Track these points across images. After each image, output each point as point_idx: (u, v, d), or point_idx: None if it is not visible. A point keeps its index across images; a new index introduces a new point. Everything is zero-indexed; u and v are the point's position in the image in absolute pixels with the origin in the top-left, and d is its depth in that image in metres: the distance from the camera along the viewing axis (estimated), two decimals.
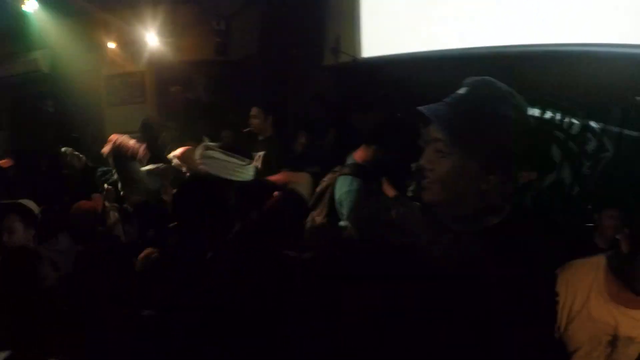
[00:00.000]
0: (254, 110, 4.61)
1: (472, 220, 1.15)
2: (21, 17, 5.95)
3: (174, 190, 2.39)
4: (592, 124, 3.75)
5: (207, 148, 2.80)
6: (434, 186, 1.16)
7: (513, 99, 1.16)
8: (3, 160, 6.29)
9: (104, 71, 7.17)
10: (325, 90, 5.97)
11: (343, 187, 2.20)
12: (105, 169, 4.74)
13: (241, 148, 3.95)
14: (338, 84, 5.65)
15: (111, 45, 6.75)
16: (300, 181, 2.81)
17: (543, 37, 2.27)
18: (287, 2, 5.77)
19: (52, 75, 6.97)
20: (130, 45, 6.81)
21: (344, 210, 2.15)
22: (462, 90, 1.19)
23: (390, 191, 2.30)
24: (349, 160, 2.38)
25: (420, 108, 1.16)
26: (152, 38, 6.57)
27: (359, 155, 2.38)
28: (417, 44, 3.21)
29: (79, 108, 7.60)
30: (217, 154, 2.77)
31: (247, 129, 4.76)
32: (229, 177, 2.69)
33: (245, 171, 2.79)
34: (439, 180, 1.15)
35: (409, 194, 1.89)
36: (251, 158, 4.08)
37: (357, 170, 2.30)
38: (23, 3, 5.77)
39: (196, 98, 7.16)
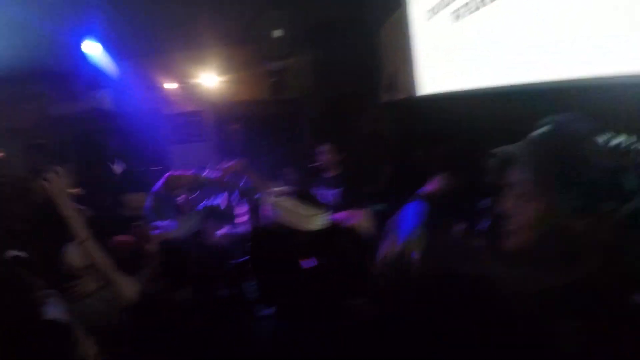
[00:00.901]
0: (327, 147, 4.64)
1: (565, 268, 1.06)
2: (83, 57, 6.27)
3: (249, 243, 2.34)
4: None
5: (278, 195, 2.70)
6: (520, 232, 1.09)
7: (601, 135, 1.08)
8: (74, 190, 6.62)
9: (164, 110, 7.44)
10: (382, 127, 5.97)
11: (410, 211, 2.14)
12: None
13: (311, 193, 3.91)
14: (395, 121, 5.62)
15: (171, 84, 6.99)
16: (363, 220, 2.75)
17: (600, 68, 2.17)
18: (341, 42, 5.86)
19: (115, 113, 7.28)
20: (189, 85, 7.06)
21: (405, 233, 2.05)
22: (545, 128, 1.12)
23: (458, 229, 2.21)
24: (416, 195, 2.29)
25: (500, 149, 1.09)
26: (210, 78, 6.81)
27: (426, 189, 2.31)
28: (475, 80, 3.13)
29: (141, 145, 7.93)
30: (289, 203, 2.65)
31: (314, 164, 4.78)
32: (299, 228, 2.59)
33: (318, 221, 2.69)
34: (526, 225, 1.07)
35: (483, 235, 1.80)
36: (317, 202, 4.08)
37: (426, 198, 2.25)
38: (85, 45, 6.10)
39: (256, 136, 7.30)
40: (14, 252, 2.63)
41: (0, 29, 4.61)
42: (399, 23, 4.53)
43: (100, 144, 8.61)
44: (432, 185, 2.41)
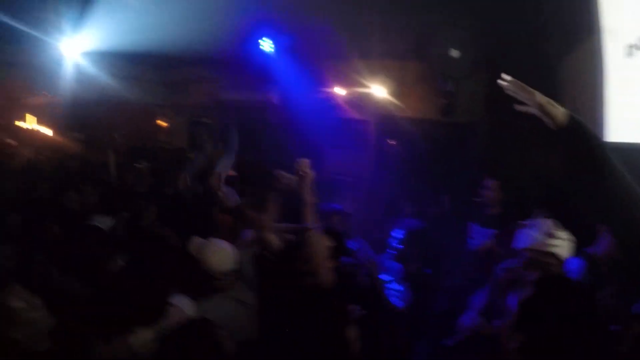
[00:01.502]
0: (489, 182, 4.40)
1: None
2: (262, 55, 6.76)
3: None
4: None
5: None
6: None
7: None
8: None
9: (330, 114, 7.62)
10: (553, 168, 5.35)
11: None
12: None
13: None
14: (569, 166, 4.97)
15: (341, 91, 7.12)
16: None
17: None
18: (518, 70, 5.37)
19: (281, 107, 7.65)
20: (359, 94, 7.12)
21: None
22: None
23: None
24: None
25: None
26: (380, 90, 6.78)
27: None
28: None
29: (303, 144, 8.27)
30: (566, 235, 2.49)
31: (478, 199, 4.55)
32: None
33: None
34: None
35: None
36: None
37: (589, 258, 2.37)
38: (262, 45, 6.57)
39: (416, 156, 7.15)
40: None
41: (189, 14, 5.07)
42: (587, 56, 3.99)
43: (261, 134, 9.23)
44: (601, 247, 2.34)
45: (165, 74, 8.83)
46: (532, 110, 1.66)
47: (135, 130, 9.59)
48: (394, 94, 6.73)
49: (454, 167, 6.68)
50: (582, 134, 1.65)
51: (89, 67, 6.29)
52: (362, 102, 7.12)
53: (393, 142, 7.81)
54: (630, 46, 3.25)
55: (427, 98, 6.52)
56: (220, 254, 2.95)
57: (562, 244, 2.38)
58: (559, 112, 1.64)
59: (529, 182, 5.26)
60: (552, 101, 1.67)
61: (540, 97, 1.67)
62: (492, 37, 5.32)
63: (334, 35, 5.90)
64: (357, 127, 7.57)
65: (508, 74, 5.71)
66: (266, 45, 6.48)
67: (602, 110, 3.75)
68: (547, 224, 2.41)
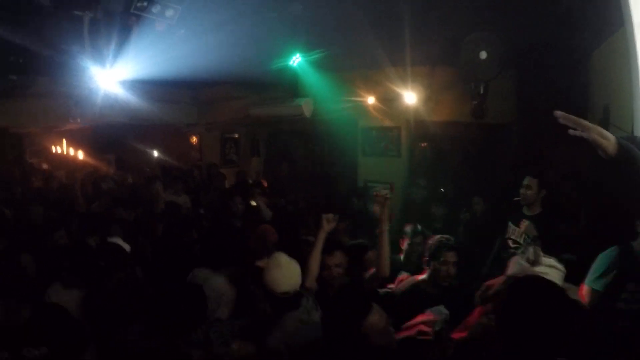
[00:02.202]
0: (529, 181, 4.35)
1: None
2: (289, 69, 6.89)
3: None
4: None
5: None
6: None
7: None
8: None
9: (361, 123, 7.70)
10: (584, 168, 5.28)
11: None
12: None
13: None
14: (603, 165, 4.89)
15: (370, 99, 7.20)
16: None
17: None
18: (548, 68, 5.35)
19: (313, 121, 7.77)
20: (389, 101, 7.18)
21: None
22: None
23: None
24: None
25: None
26: (410, 96, 6.83)
27: None
28: None
29: (336, 153, 8.39)
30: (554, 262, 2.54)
31: (516, 199, 4.51)
32: None
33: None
34: None
35: None
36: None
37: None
38: (293, 60, 6.71)
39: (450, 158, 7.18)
40: None
41: (216, 36, 5.26)
42: (617, 47, 3.95)
43: (289, 146, 9.40)
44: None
45: (196, 94, 9.13)
46: (585, 135, 1.74)
47: (167, 150, 9.96)
48: (424, 99, 6.77)
49: (487, 168, 6.67)
50: (632, 161, 1.75)
51: (123, 93, 6.52)
52: (394, 109, 7.18)
53: (423, 145, 7.86)
54: None
55: (458, 101, 6.53)
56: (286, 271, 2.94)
57: (549, 272, 2.40)
58: (610, 143, 1.74)
59: (563, 182, 5.22)
60: (603, 133, 1.76)
61: (593, 132, 1.75)
62: (520, 36, 5.30)
63: (363, 45, 5.98)
64: (389, 134, 7.64)
65: (537, 73, 5.70)
66: (296, 59, 6.62)
67: (633, 104, 3.70)
68: (535, 251, 2.45)
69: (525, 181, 4.36)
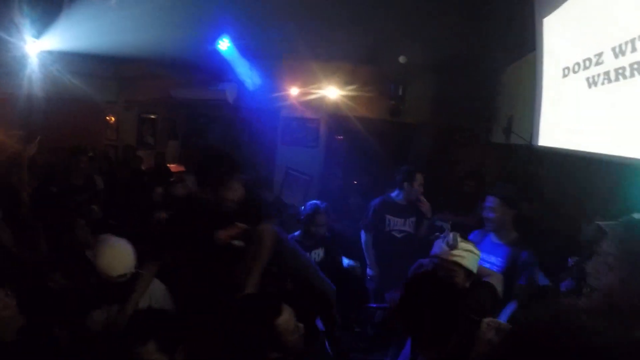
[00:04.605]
0: (493, 202, 3.56)
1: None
2: (216, 53, 6.76)
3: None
4: None
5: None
6: (594, 295, 1.19)
7: None
8: (173, 165, 7.37)
9: (283, 112, 7.86)
10: (486, 167, 5.92)
11: None
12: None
13: None
14: (505, 165, 5.54)
15: (294, 90, 7.42)
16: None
17: None
18: (464, 75, 5.90)
19: (235, 107, 7.81)
20: (311, 94, 7.41)
21: None
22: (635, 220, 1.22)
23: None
24: None
25: (600, 224, 1.20)
26: (332, 91, 7.12)
27: None
28: (596, 145, 2.97)
29: (255, 140, 8.46)
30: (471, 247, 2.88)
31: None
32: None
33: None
34: (601, 290, 1.18)
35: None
36: None
37: None
38: (219, 43, 6.60)
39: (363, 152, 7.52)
40: None
41: (144, 12, 5.14)
42: (527, 67, 4.48)
43: (208, 131, 9.29)
44: None
45: (117, 70, 8.71)
46: None
47: (83, 128, 9.38)
48: (346, 95, 7.09)
49: (401, 164, 7.16)
50: None
51: (44, 65, 6.14)
52: (315, 102, 7.42)
53: (341, 138, 8.20)
54: (566, 69, 3.46)
55: (377, 99, 6.92)
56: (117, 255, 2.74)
57: (466, 255, 2.73)
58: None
59: (467, 179, 5.80)
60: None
61: None
62: (440, 45, 5.75)
63: (290, 36, 6.11)
64: (309, 125, 7.86)
65: (453, 80, 6.21)
66: (223, 44, 6.55)
67: (535, 117, 4.21)
68: (454, 236, 2.75)
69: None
